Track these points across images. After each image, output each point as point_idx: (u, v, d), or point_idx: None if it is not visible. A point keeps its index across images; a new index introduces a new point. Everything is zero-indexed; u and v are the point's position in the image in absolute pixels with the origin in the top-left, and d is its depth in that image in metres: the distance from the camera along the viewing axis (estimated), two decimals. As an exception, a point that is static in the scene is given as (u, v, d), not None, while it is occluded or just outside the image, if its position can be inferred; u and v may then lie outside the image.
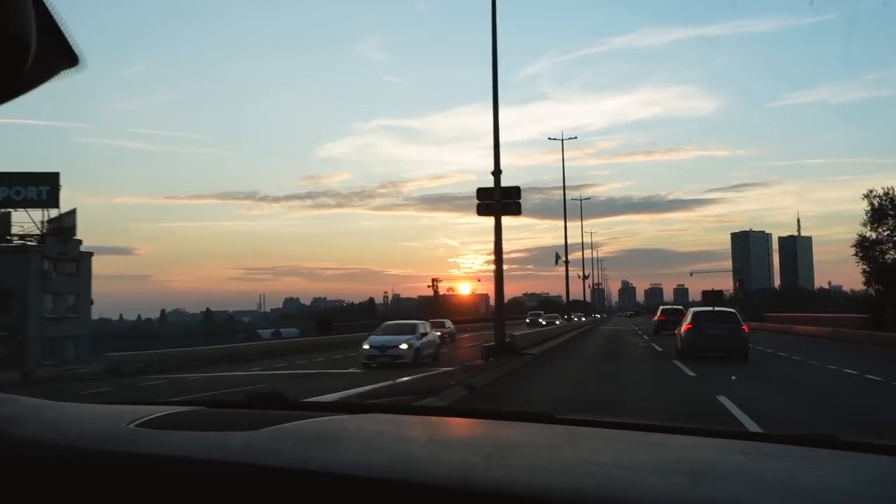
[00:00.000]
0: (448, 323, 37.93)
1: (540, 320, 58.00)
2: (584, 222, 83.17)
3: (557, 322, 56.87)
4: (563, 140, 51.96)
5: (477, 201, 19.84)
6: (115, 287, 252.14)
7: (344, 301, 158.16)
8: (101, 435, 1.25)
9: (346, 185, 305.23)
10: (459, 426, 1.55)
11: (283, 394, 1.67)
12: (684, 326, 20.10)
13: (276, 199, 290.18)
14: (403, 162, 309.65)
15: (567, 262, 52.62)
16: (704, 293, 50.58)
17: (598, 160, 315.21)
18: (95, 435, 1.25)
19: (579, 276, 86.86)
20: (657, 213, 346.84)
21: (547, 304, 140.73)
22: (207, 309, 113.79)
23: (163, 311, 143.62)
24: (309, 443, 1.22)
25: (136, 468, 1.09)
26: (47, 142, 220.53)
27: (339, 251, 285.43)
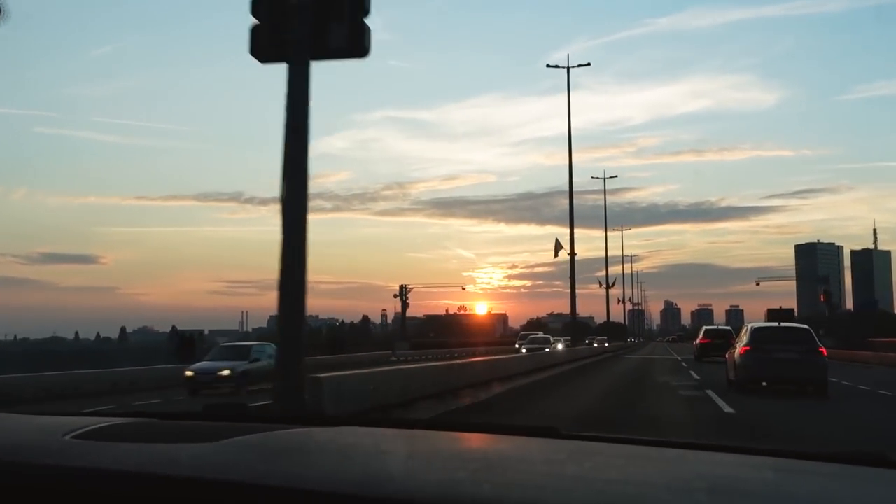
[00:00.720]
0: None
1: (523, 350, 45.54)
2: (621, 232, 78.39)
3: (560, 346, 49.19)
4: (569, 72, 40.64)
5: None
6: (75, 301, 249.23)
7: (337, 319, 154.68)
8: (32, 447, 1.29)
9: (345, 185, 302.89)
10: (447, 440, 1.57)
11: (244, 404, 1.75)
12: (740, 349, 17.67)
13: (264, 202, 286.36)
14: (412, 160, 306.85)
15: (573, 255, 39.50)
16: (770, 312, 47.03)
17: (638, 160, 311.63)
18: (26, 447, 1.29)
19: (618, 300, 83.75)
20: (707, 222, 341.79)
21: (573, 325, 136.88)
22: (173, 327, 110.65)
23: (122, 329, 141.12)
24: (272, 456, 1.24)
25: (70, 483, 1.11)
26: (1, 131, 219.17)
27: (336, 262, 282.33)
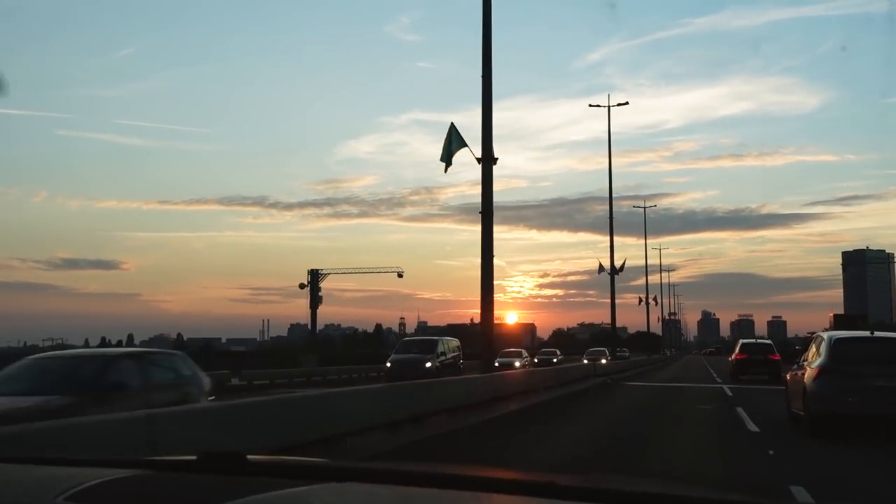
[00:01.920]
0: None
1: (517, 363, 39.37)
2: (658, 239, 79.00)
3: (554, 361, 48.16)
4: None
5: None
6: (96, 307, 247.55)
7: (358, 328, 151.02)
8: None
9: (371, 190, 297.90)
10: (447, 500, 1.55)
11: (241, 454, 1.64)
12: (813, 371, 11.93)
13: (289, 207, 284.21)
14: (440, 164, 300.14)
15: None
16: (838, 318, 41.95)
17: (674, 164, 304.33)
18: None
19: (654, 301, 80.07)
20: (747, 230, 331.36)
21: (602, 336, 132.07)
22: (179, 335, 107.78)
23: (129, 336, 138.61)
24: None
25: None
26: (20, 134, 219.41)
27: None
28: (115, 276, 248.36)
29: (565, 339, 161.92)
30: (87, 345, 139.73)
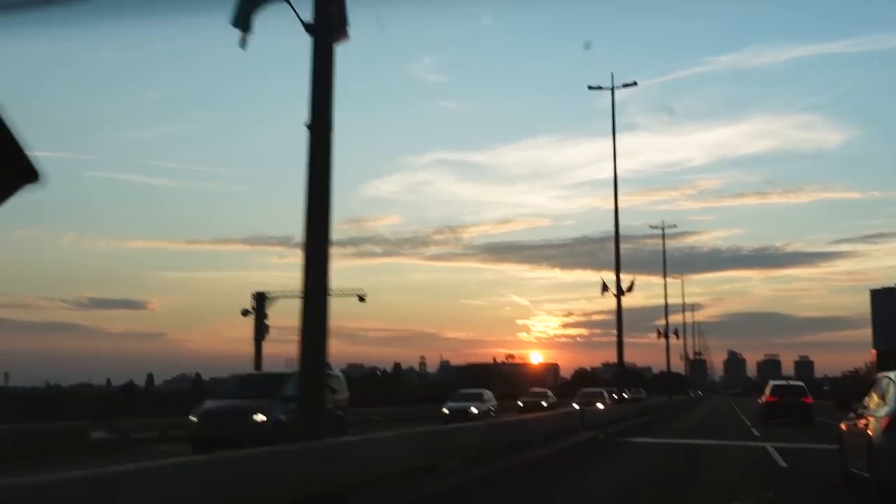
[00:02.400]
0: None
1: (472, 408, 31.25)
2: (682, 278, 75.12)
3: (544, 404, 38.96)
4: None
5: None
6: (122, 347, 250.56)
7: (378, 368, 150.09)
8: None
9: (395, 229, 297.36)
10: None
11: None
12: (882, 420, 9.36)
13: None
14: (464, 203, 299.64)
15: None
16: (882, 355, 40.76)
17: (698, 203, 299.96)
18: None
19: (680, 354, 77.94)
20: (772, 268, 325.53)
21: (634, 379, 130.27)
22: (197, 374, 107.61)
23: (150, 376, 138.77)
24: None
25: None
26: (50, 175, 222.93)
27: (386, 309, 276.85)
28: (141, 315, 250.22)
29: (587, 380, 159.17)
30: (108, 384, 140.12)
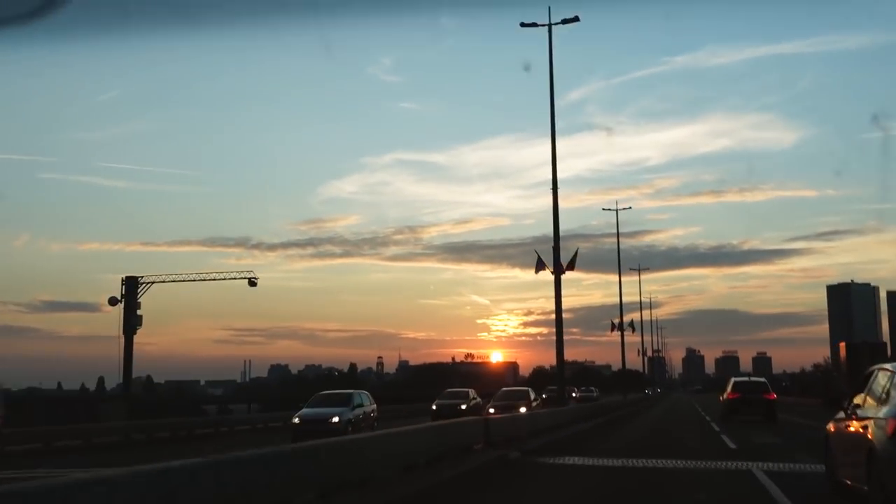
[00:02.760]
0: None
1: (334, 417, 22.74)
2: (639, 275, 72.08)
3: (462, 408, 31.36)
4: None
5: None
6: (75, 350, 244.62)
7: (336, 369, 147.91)
8: None
9: (354, 230, 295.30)
10: None
11: None
12: (887, 423, 7.50)
13: (272, 247, 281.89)
14: (423, 203, 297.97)
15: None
16: (851, 347, 39.06)
17: (656, 201, 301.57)
18: None
19: (637, 350, 75.79)
20: (729, 266, 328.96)
21: (583, 374, 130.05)
22: (148, 376, 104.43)
23: (100, 379, 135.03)
24: None
25: None
26: (3, 177, 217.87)
27: (345, 309, 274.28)
28: (97, 318, 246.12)
29: (546, 378, 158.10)
30: (60, 388, 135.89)
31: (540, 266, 30.16)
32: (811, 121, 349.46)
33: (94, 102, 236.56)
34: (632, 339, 70.79)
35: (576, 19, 29.06)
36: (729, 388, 33.64)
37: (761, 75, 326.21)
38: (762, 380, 36.02)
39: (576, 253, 30.58)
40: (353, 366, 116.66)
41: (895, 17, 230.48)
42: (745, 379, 37.37)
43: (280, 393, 75.87)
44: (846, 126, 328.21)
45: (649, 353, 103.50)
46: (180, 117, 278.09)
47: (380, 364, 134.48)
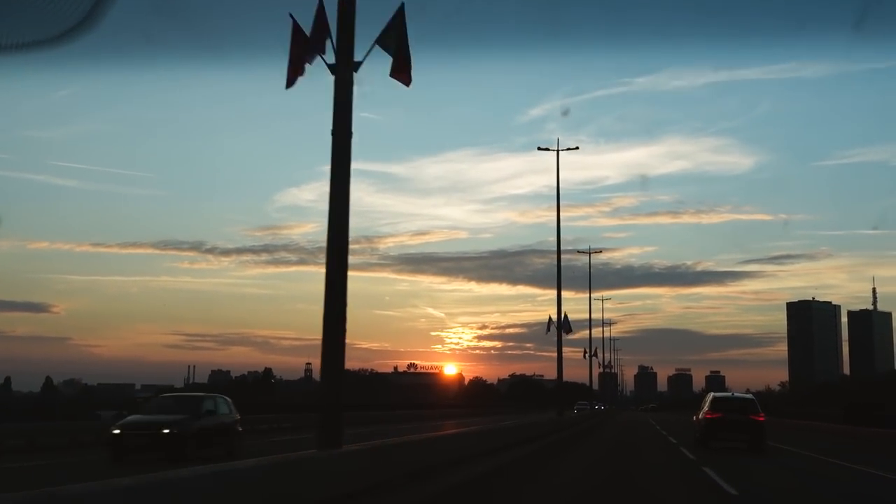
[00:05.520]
0: None
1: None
2: (596, 293, 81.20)
3: (166, 431, 17.85)
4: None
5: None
6: (22, 351, 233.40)
7: (273, 376, 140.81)
8: None
9: (310, 238, 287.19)
10: None
11: None
12: None
13: (226, 253, 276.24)
14: (381, 214, 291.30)
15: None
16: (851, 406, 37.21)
17: (613, 220, 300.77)
18: None
19: (591, 357, 73.86)
20: (683, 286, 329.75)
21: (531, 389, 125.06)
22: (73, 379, 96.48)
23: (48, 379, 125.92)
24: None
25: None
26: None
27: (300, 318, 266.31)
28: (45, 319, 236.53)
29: (485, 392, 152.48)
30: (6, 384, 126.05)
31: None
32: (768, 146, 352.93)
33: (47, 100, 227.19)
34: (578, 355, 67.91)
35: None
36: (706, 406, 27.15)
37: (720, 100, 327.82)
38: (749, 397, 29.43)
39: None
40: (268, 370, 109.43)
41: (853, 48, 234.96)
42: (728, 395, 30.84)
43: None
44: (802, 153, 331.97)
45: (602, 369, 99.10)
46: (136, 118, 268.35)
47: (308, 371, 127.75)
